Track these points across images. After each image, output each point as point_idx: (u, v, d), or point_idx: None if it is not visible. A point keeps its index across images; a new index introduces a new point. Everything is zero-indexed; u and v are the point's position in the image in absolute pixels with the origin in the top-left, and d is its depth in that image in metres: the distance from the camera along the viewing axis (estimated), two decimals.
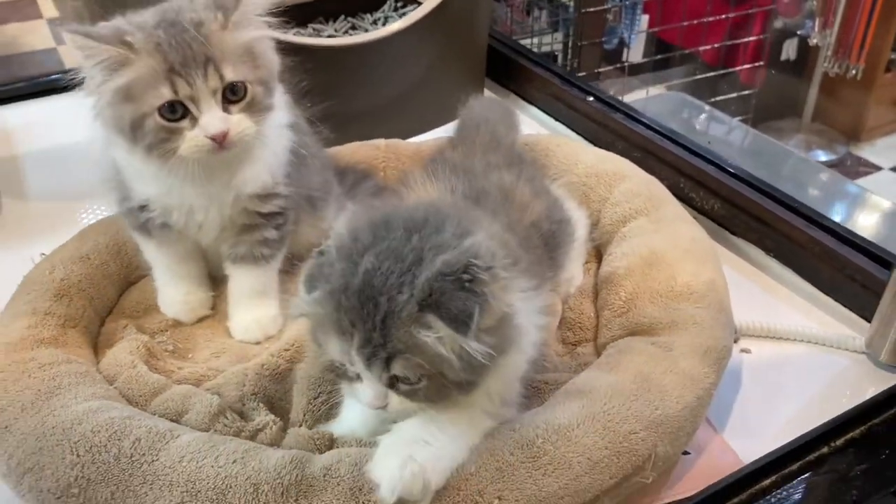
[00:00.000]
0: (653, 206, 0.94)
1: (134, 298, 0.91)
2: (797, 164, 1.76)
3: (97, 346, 0.85)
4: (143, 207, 0.84)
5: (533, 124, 1.32)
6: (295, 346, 0.80)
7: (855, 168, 3.31)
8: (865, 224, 1.46)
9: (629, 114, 1.19)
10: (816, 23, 3.23)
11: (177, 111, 0.74)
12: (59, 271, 0.86)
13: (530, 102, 1.36)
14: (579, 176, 1.00)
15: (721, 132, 2.01)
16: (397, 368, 0.60)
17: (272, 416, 0.73)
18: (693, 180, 1.09)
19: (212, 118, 0.74)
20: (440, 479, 0.61)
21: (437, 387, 0.61)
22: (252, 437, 0.70)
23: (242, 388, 0.76)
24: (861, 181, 3.21)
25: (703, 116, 2.03)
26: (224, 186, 0.81)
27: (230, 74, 0.75)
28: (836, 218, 1.03)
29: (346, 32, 1.48)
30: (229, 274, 0.88)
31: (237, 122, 0.76)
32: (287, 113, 0.86)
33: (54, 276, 0.86)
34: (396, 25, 1.14)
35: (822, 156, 3.37)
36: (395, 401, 0.62)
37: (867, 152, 3.40)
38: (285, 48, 0.99)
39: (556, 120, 1.31)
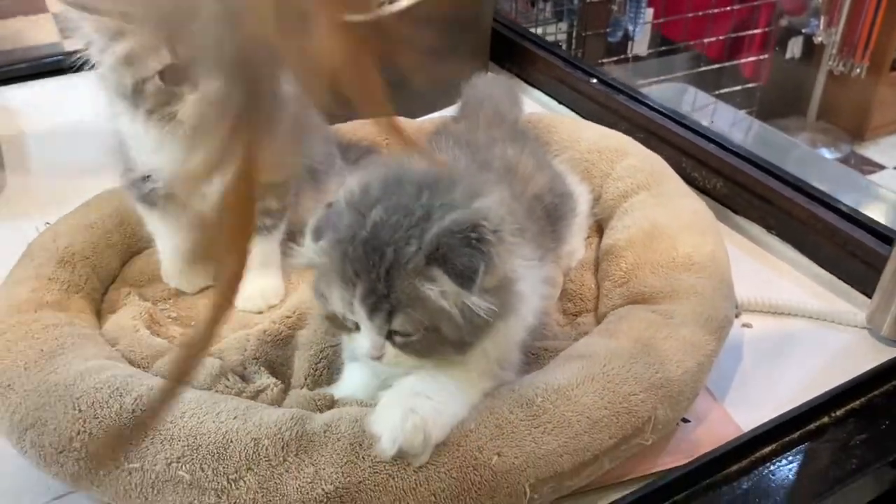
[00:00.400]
0: (654, 181, 0.94)
1: (137, 268, 0.91)
2: (803, 155, 1.76)
3: (100, 312, 0.85)
4: (146, 178, 0.84)
5: (536, 107, 1.32)
6: (297, 313, 0.81)
7: (859, 166, 3.31)
8: (868, 207, 1.45)
9: (632, 95, 1.19)
10: (821, 21, 3.23)
11: (177, 75, 0.74)
12: (64, 239, 0.87)
13: (533, 85, 1.36)
14: (581, 152, 1.00)
15: (726, 122, 2.01)
16: (398, 321, 0.60)
17: (273, 379, 0.74)
18: (695, 159, 1.09)
19: None
20: (441, 434, 0.61)
21: (434, 342, 0.62)
22: (253, 398, 0.71)
23: (244, 353, 0.77)
24: (865, 179, 3.21)
25: (708, 106, 2.03)
26: None
27: None
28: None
29: None
30: None
31: None
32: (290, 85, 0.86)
33: (58, 243, 0.86)
34: (402, 4, 1.14)
35: (827, 154, 3.37)
36: (391, 353, 0.63)
37: (871, 151, 3.40)
38: None
39: (559, 102, 1.31)
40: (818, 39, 3.25)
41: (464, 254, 0.59)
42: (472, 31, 1.31)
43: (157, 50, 0.73)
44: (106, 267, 0.89)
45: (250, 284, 0.88)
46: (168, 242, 0.88)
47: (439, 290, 0.59)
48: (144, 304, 0.84)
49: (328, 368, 0.76)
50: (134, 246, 0.93)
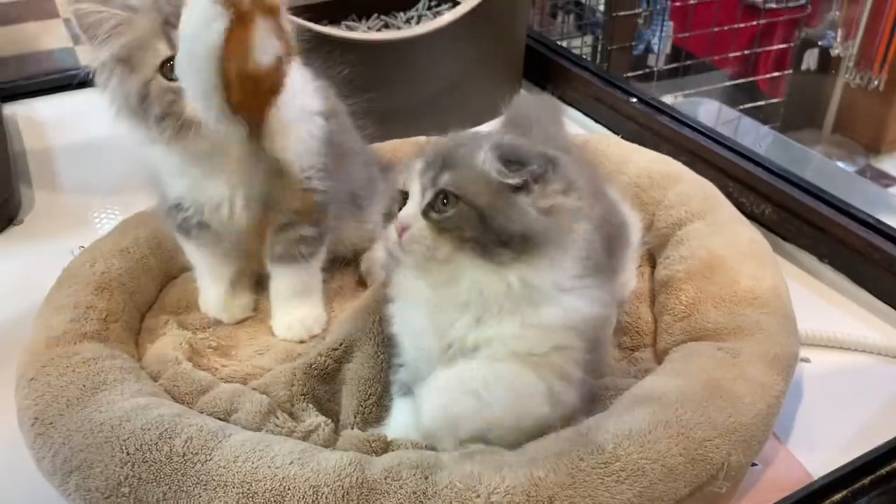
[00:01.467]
0: (708, 208, 0.91)
1: (175, 295, 0.88)
2: (837, 174, 1.73)
3: (138, 341, 0.82)
4: (178, 206, 0.81)
5: (573, 126, 1.29)
6: (343, 345, 0.78)
7: (875, 180, 3.28)
8: None
9: (675, 116, 1.16)
10: (839, 34, 3.21)
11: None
12: (100, 264, 0.84)
13: (569, 104, 1.33)
14: (630, 177, 0.97)
15: (754, 140, 1.99)
16: (445, 179, 0.64)
17: (323, 418, 0.71)
18: (742, 184, 1.06)
19: None
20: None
21: (465, 231, 0.63)
22: (304, 439, 0.68)
23: (291, 388, 0.74)
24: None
25: (736, 123, 2.00)
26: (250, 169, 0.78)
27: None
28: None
29: (378, 30, 1.47)
30: (271, 273, 0.86)
31: None
32: (317, 100, 0.83)
33: (95, 269, 0.83)
34: (437, 22, 1.12)
35: (843, 166, 3.35)
36: (419, 228, 0.64)
37: (887, 164, 3.37)
38: (327, 41, 0.98)
39: (597, 122, 1.29)
40: (835, 52, 3.23)
41: (522, 152, 0.64)
42: (506, 48, 1.28)
43: (154, 45, 0.71)
44: (143, 293, 0.86)
45: (291, 313, 0.85)
46: (206, 273, 0.86)
47: (494, 170, 0.63)
48: (184, 334, 0.81)
49: (377, 405, 0.74)
50: (171, 270, 0.90)
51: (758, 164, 1.06)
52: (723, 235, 0.87)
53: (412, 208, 0.65)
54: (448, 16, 1.12)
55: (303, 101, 0.81)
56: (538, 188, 0.64)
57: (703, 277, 0.82)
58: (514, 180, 0.63)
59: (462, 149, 0.66)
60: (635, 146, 1.04)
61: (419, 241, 0.64)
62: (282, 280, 0.86)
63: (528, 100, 1.05)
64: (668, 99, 2.09)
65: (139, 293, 0.85)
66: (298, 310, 0.85)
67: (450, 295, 0.65)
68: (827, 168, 1.98)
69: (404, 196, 0.66)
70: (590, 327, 0.67)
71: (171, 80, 0.71)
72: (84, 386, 0.68)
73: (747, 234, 0.87)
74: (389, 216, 0.67)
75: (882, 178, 3.37)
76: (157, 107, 0.72)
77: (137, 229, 0.90)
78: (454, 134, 0.71)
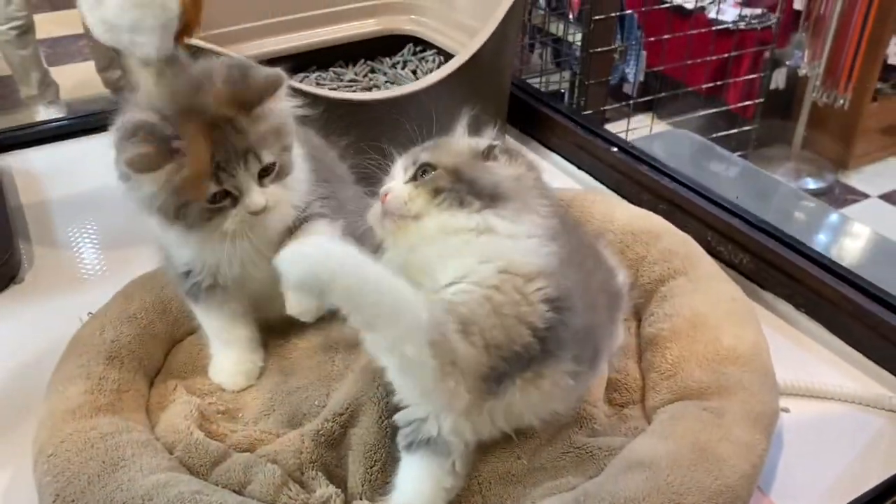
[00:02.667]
0: (690, 265, 0.96)
1: (181, 359, 0.91)
2: (815, 208, 1.79)
3: (148, 407, 0.85)
4: (187, 273, 0.85)
5: (556, 173, 1.34)
6: (349, 409, 0.81)
7: (843, 196, 3.38)
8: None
9: (654, 165, 1.21)
10: (805, 54, 3.31)
11: (221, 198, 0.76)
12: (109, 332, 0.87)
13: (553, 150, 1.38)
14: (615, 233, 1.01)
15: (723, 169, 2.05)
16: (424, 156, 0.76)
17: (334, 488, 0.74)
18: (721, 234, 1.11)
19: (253, 198, 0.77)
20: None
21: (440, 181, 0.73)
22: None
23: (300, 457, 0.77)
24: (850, 208, 3.28)
25: (706, 154, 2.06)
26: (259, 240, 0.82)
27: (267, 157, 0.77)
28: (858, 267, 1.05)
29: (365, 76, 1.50)
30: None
31: (272, 193, 0.79)
32: (299, 146, 0.86)
33: (105, 337, 0.86)
34: (430, 78, 1.15)
35: (812, 183, 3.44)
36: (397, 190, 0.75)
37: (855, 180, 3.48)
38: (324, 102, 1.01)
39: (580, 168, 1.33)
40: (802, 72, 3.33)
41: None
42: (492, 98, 1.32)
43: (204, 182, 0.74)
44: (151, 359, 0.89)
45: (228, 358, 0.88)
46: (216, 337, 0.88)
47: (464, 141, 0.79)
48: (193, 400, 0.84)
49: (382, 472, 0.77)
50: (176, 334, 0.93)
51: (735, 214, 1.11)
52: (705, 293, 0.91)
53: (394, 182, 0.77)
54: (442, 71, 1.16)
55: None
56: (504, 159, 0.77)
57: (687, 336, 0.86)
58: (484, 144, 0.77)
59: (437, 140, 0.80)
60: (618, 200, 1.09)
61: (397, 198, 0.74)
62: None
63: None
64: (644, 130, 2.16)
65: (148, 360, 0.88)
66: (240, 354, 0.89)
67: (420, 256, 0.72)
68: (793, 196, 2.04)
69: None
70: (541, 282, 0.69)
71: (213, 203, 0.75)
72: (104, 462, 0.71)
73: (728, 292, 0.92)
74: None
75: (849, 194, 3.46)
76: (192, 219, 0.76)
77: (143, 293, 0.92)
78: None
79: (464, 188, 0.73)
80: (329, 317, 0.93)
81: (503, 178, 0.75)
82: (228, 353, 0.88)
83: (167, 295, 0.92)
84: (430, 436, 0.72)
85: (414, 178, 0.75)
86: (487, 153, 0.78)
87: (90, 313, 0.92)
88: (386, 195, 0.75)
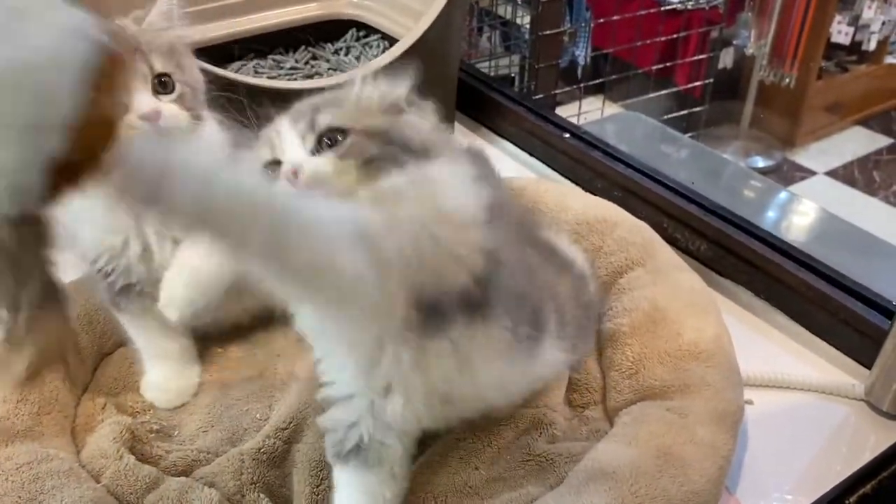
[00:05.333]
0: (647, 254, 0.92)
1: (110, 374, 0.85)
2: (768, 188, 1.77)
3: (74, 429, 0.78)
4: (100, 270, 0.78)
5: (508, 160, 1.29)
6: (292, 424, 0.76)
7: (791, 173, 3.41)
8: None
9: (608, 152, 1.17)
10: (752, 33, 3.32)
11: None
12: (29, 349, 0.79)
13: (503, 137, 1.33)
14: (569, 223, 0.97)
15: (675, 151, 2.03)
16: (325, 119, 0.61)
17: None
18: (677, 220, 1.08)
19: (142, 99, 0.72)
20: None
21: (368, 150, 0.60)
22: None
23: (240, 478, 0.71)
24: (798, 185, 3.31)
25: (658, 136, 2.04)
26: None
27: (159, 65, 0.74)
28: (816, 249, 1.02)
29: (307, 63, 1.44)
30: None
31: (168, 107, 0.74)
32: (224, 136, 0.81)
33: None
34: (373, 65, 1.10)
35: (761, 162, 3.46)
36: (314, 165, 0.60)
37: (802, 157, 3.51)
38: (261, 91, 0.95)
39: (531, 155, 1.29)
40: (749, 51, 3.34)
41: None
42: (439, 84, 1.27)
43: None
44: (76, 376, 0.82)
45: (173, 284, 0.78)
46: (145, 350, 0.82)
47: (371, 94, 0.64)
48: (123, 420, 0.78)
49: (330, 489, 0.72)
50: (105, 346, 0.87)
51: (691, 200, 1.08)
52: (664, 284, 0.88)
53: (296, 154, 0.61)
54: (385, 57, 1.10)
55: (210, 134, 0.80)
56: (416, 109, 0.66)
57: (648, 331, 0.82)
58: (400, 92, 0.65)
59: (326, 97, 0.66)
60: (569, 188, 1.05)
61: (320, 175, 0.59)
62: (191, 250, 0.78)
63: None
64: (595, 113, 2.12)
65: (72, 377, 0.81)
66: (188, 290, 0.77)
67: None
68: (744, 176, 2.03)
69: (276, 164, 0.62)
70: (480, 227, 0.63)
71: None
72: (20, 497, 0.65)
73: (687, 282, 0.88)
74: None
75: (797, 171, 3.50)
76: None
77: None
78: (304, 100, 0.67)
79: (396, 149, 0.61)
80: (272, 321, 0.87)
81: (427, 130, 0.65)
82: (161, 368, 0.82)
83: (93, 305, 0.86)
84: (361, 441, 0.66)
85: (319, 147, 0.61)
86: (401, 106, 0.66)
87: None
88: (294, 172, 0.59)
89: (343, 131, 0.61)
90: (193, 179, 0.47)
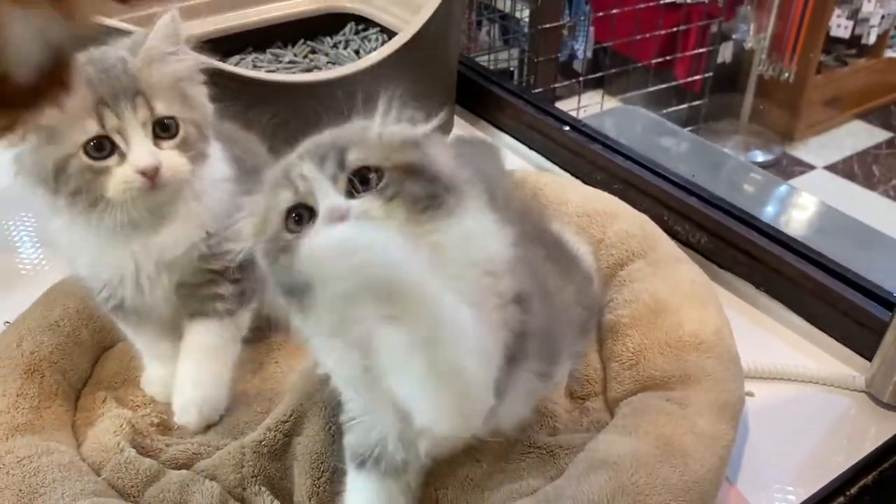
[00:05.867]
0: (648, 246, 0.92)
1: (111, 368, 0.84)
2: (767, 181, 1.77)
3: (75, 423, 0.78)
4: (92, 288, 0.78)
5: (507, 154, 1.28)
6: (293, 416, 0.76)
7: (791, 167, 3.41)
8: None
9: (608, 144, 1.17)
10: (751, 27, 3.32)
11: (104, 148, 0.68)
12: (28, 343, 0.80)
13: (503, 130, 1.33)
14: (570, 216, 0.97)
15: (675, 144, 2.02)
16: (353, 158, 0.57)
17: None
18: (677, 213, 1.07)
19: (142, 151, 0.69)
20: None
21: (413, 187, 0.57)
22: None
23: (241, 470, 0.71)
24: (797, 180, 3.31)
25: (658, 130, 2.03)
26: (153, 245, 0.74)
27: (161, 108, 0.70)
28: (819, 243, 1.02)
29: (305, 57, 1.43)
30: (184, 331, 0.80)
31: (169, 157, 0.70)
32: (227, 166, 0.80)
33: (23, 348, 0.79)
34: (371, 58, 1.09)
35: (760, 156, 3.46)
36: (361, 208, 0.56)
37: (801, 152, 3.51)
38: (255, 83, 0.94)
39: (531, 149, 1.28)
40: (748, 45, 3.34)
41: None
42: (439, 77, 1.27)
43: (83, 121, 0.67)
44: (76, 370, 0.82)
45: (187, 392, 0.78)
46: (142, 351, 0.82)
47: (393, 130, 0.59)
48: (124, 414, 0.77)
49: (331, 482, 0.72)
50: (105, 341, 0.86)
51: (691, 192, 1.07)
52: (665, 276, 0.87)
53: (334, 198, 0.56)
54: (385, 49, 1.10)
55: (216, 169, 0.78)
56: (433, 142, 0.61)
57: (648, 323, 0.82)
58: (422, 130, 0.60)
59: (345, 134, 0.61)
60: (570, 181, 1.05)
61: (370, 218, 0.55)
62: (192, 337, 0.79)
63: (468, 146, 1.03)
64: (595, 107, 2.12)
65: (73, 371, 0.81)
66: (198, 390, 0.78)
67: None
68: (745, 170, 2.03)
69: (302, 208, 0.58)
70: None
71: (96, 159, 0.68)
72: (21, 490, 0.64)
73: (688, 274, 0.88)
74: (281, 246, 0.58)
75: (796, 165, 3.50)
76: (74, 183, 0.68)
77: (66, 299, 0.85)
78: (315, 137, 0.63)
79: (439, 188, 0.58)
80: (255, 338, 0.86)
81: (451, 165, 0.61)
82: (157, 367, 0.82)
83: (93, 300, 0.85)
84: (386, 454, 0.66)
85: (353, 188, 0.57)
86: (420, 140, 0.62)
87: (7, 322, 0.85)
88: (341, 217, 0.55)
89: (377, 170, 0.57)
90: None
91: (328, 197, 0.57)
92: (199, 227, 0.75)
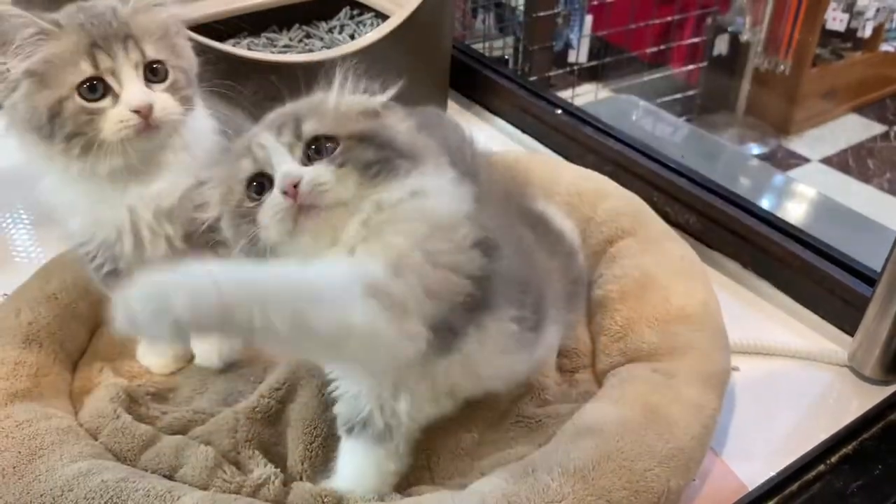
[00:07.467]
0: (638, 224, 0.93)
1: (107, 340, 0.86)
2: (760, 169, 1.78)
3: (72, 392, 0.80)
4: (87, 253, 0.78)
5: (500, 137, 1.30)
6: (286, 384, 0.77)
7: (786, 160, 3.42)
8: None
9: (599, 127, 1.19)
10: (747, 20, 3.32)
11: (97, 90, 0.70)
12: (26, 314, 0.81)
13: (496, 114, 1.34)
14: (561, 195, 0.98)
15: (670, 133, 2.04)
16: (309, 127, 0.61)
17: (272, 469, 0.70)
18: (667, 194, 1.09)
19: (135, 91, 0.71)
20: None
21: (365, 154, 0.61)
22: (254, 494, 0.67)
23: (235, 435, 0.73)
24: (793, 172, 3.32)
25: (652, 119, 2.05)
26: (148, 195, 0.75)
27: (151, 52, 0.72)
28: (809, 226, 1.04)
29: (300, 41, 1.44)
30: None
31: (161, 97, 0.72)
32: (212, 121, 0.81)
33: (21, 319, 0.80)
34: (365, 39, 1.11)
35: (755, 149, 3.47)
36: (314, 174, 0.59)
37: (797, 144, 3.52)
38: (250, 64, 0.95)
39: (524, 132, 1.30)
40: (744, 38, 3.35)
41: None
42: (432, 61, 1.28)
43: (77, 63, 0.69)
44: (74, 341, 0.84)
45: None
46: None
47: (350, 101, 0.64)
48: (120, 382, 0.79)
49: (323, 447, 0.73)
50: (102, 314, 0.87)
51: (681, 174, 1.09)
52: (654, 253, 0.89)
53: (290, 165, 0.60)
54: (375, 32, 1.11)
55: (204, 124, 0.80)
56: (391, 112, 0.66)
57: (636, 297, 0.84)
58: (378, 100, 0.65)
59: (303, 105, 0.65)
60: (560, 161, 1.06)
61: (323, 184, 0.59)
62: None
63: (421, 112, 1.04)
64: (589, 96, 2.13)
65: (70, 342, 0.83)
66: None
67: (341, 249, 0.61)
68: (738, 159, 2.05)
69: (261, 177, 0.62)
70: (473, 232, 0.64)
71: (90, 100, 0.69)
72: (20, 452, 0.66)
73: (677, 251, 0.90)
74: (243, 213, 0.62)
75: (792, 158, 3.51)
76: (69, 126, 0.70)
77: (63, 272, 0.87)
78: (278, 109, 0.67)
79: (391, 153, 0.62)
80: None
81: (407, 132, 0.65)
82: None
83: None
84: (370, 418, 0.68)
85: (308, 156, 0.61)
86: (378, 109, 0.66)
87: (5, 294, 0.86)
88: (295, 185, 0.58)
89: (331, 138, 0.61)
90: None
91: (284, 164, 0.60)
92: (191, 176, 0.76)
